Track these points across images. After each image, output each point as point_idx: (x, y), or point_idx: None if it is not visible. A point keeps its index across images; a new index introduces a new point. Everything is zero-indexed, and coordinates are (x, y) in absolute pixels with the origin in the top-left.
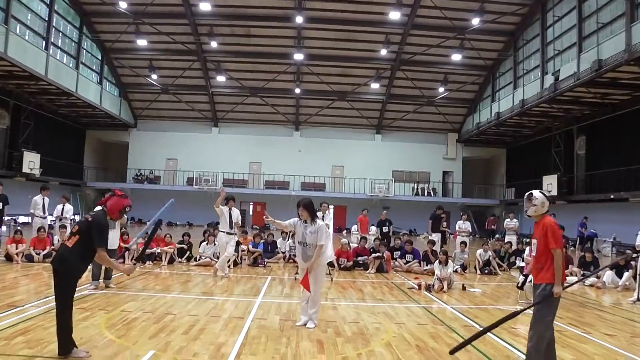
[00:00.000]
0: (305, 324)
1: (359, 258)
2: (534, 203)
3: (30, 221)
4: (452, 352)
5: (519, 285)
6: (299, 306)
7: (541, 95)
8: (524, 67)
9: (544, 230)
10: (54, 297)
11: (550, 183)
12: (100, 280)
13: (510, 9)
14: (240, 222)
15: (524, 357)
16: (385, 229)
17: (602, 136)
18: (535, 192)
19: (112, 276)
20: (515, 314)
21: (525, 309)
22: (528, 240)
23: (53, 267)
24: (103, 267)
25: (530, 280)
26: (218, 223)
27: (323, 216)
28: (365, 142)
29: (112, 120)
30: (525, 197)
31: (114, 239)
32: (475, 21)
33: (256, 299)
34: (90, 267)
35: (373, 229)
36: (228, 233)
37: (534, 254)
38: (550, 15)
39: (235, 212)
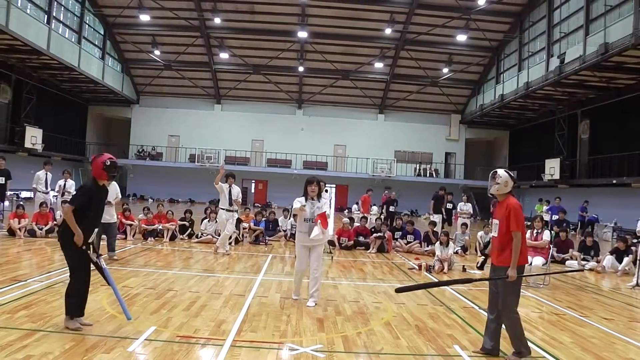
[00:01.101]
0: (297, 299)
1: (360, 238)
2: (497, 182)
3: (32, 196)
4: (398, 290)
5: (479, 265)
6: (294, 280)
7: (546, 78)
8: (530, 49)
9: (507, 211)
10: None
11: (553, 166)
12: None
13: None
14: (240, 199)
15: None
16: (391, 209)
17: (606, 120)
18: (500, 171)
19: (116, 250)
20: (469, 280)
21: (479, 280)
22: (529, 223)
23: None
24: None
25: (531, 263)
26: (219, 200)
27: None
28: (368, 122)
29: (114, 95)
30: (490, 175)
31: (110, 213)
32: (481, 1)
33: (257, 277)
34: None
35: (375, 208)
36: (228, 210)
37: (494, 234)
38: None
39: (236, 189)
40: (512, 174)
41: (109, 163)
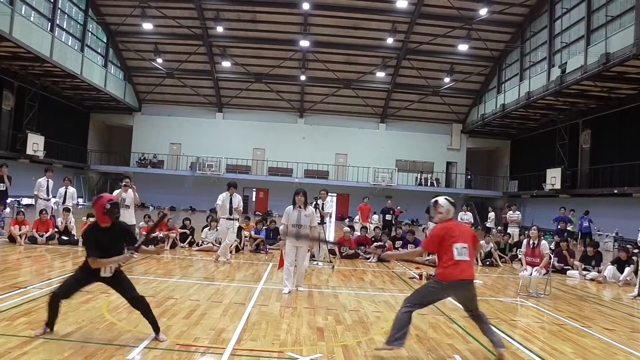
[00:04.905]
0: (289, 292)
1: (361, 248)
2: (440, 211)
3: (33, 203)
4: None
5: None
6: (284, 275)
7: (547, 87)
8: (531, 59)
9: None
10: None
11: (554, 176)
12: None
13: None
14: (241, 208)
15: (522, 348)
16: (388, 217)
17: (608, 130)
18: (441, 200)
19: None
20: None
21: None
22: (527, 232)
23: None
24: None
25: (531, 273)
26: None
27: (323, 203)
28: (369, 131)
29: (116, 103)
30: (432, 203)
31: (128, 216)
32: (483, 11)
33: (257, 285)
34: None
35: (375, 217)
36: (229, 219)
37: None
38: (558, 7)
39: (237, 198)
40: (452, 201)
41: (108, 207)
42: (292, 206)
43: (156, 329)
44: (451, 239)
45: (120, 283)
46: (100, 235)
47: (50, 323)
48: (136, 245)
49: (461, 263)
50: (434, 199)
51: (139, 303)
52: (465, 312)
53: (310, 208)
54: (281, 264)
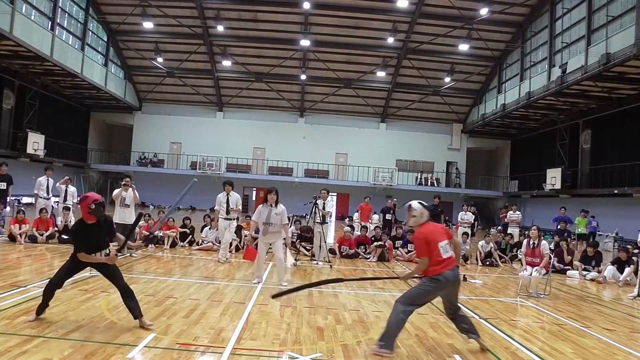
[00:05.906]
0: (258, 282)
1: (361, 247)
2: (413, 214)
3: (34, 202)
4: (274, 296)
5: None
6: (256, 267)
7: (548, 87)
8: (531, 59)
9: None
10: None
11: (554, 176)
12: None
13: None
14: (239, 207)
15: (522, 348)
16: (388, 217)
17: (608, 131)
18: (414, 203)
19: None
20: (340, 279)
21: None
22: (527, 232)
23: None
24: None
25: (531, 274)
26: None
27: (324, 203)
28: (369, 131)
29: (116, 102)
30: (405, 207)
31: (127, 215)
32: (484, 11)
33: (257, 285)
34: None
35: (375, 217)
36: (226, 219)
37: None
38: (559, 7)
39: (234, 197)
40: (425, 204)
41: (93, 207)
42: (263, 204)
43: (138, 314)
44: (434, 240)
45: (109, 270)
46: (87, 231)
47: (39, 311)
48: (118, 248)
49: (448, 259)
50: (407, 204)
51: (126, 290)
52: (446, 312)
53: (281, 206)
54: (247, 256)
